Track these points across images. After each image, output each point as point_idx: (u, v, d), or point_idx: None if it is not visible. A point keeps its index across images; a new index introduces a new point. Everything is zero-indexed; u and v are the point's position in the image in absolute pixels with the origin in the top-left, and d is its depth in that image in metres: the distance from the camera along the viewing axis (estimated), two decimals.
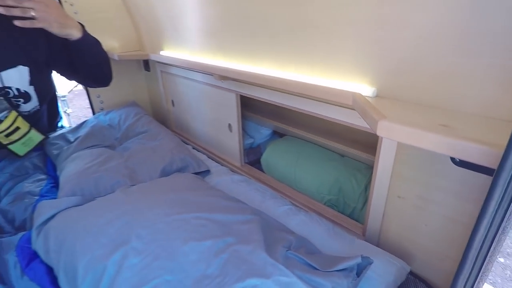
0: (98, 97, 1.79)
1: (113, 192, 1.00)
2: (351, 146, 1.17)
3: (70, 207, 0.91)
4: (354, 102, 0.73)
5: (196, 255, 0.69)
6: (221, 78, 1.16)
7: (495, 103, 0.57)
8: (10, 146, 1.15)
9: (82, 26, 1.05)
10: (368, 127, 0.69)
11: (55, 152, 1.36)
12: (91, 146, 1.36)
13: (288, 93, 1.01)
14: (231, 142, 1.37)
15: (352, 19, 0.72)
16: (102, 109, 1.81)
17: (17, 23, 0.85)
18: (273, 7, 0.90)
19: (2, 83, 1.00)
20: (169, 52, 1.54)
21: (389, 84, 0.72)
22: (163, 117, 1.89)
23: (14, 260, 0.79)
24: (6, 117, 1.08)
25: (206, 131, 1.54)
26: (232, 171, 1.34)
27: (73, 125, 1.57)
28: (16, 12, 0.85)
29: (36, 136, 1.23)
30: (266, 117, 1.48)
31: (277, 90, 1.05)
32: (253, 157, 1.48)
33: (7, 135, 1.11)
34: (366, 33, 0.71)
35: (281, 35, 0.93)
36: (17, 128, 1.13)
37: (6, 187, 1.19)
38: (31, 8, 0.86)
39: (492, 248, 0.46)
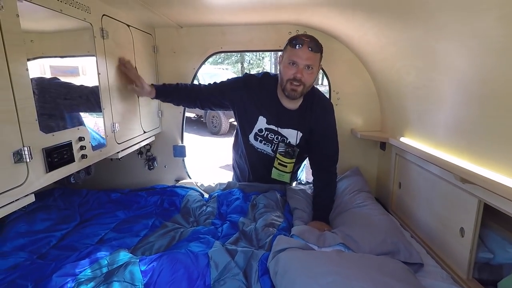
0: None
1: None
2: None
3: (297, 247, 1.19)
4: None
5: None
6: (462, 180, 1.10)
7: None
8: (273, 169, 1.79)
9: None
10: None
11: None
12: None
13: None
14: (460, 248, 1.21)
15: None
16: None
17: None
18: None
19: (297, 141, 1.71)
20: (409, 140, 1.63)
21: None
22: (385, 195, 1.95)
23: (256, 268, 1.15)
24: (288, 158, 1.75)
25: (430, 224, 1.44)
26: (454, 281, 1.18)
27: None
28: None
29: (286, 178, 1.81)
30: None
31: None
32: (486, 275, 1.21)
33: (279, 164, 1.76)
34: None
35: None
36: (285, 166, 1.76)
37: (260, 211, 1.72)
38: None
39: None
